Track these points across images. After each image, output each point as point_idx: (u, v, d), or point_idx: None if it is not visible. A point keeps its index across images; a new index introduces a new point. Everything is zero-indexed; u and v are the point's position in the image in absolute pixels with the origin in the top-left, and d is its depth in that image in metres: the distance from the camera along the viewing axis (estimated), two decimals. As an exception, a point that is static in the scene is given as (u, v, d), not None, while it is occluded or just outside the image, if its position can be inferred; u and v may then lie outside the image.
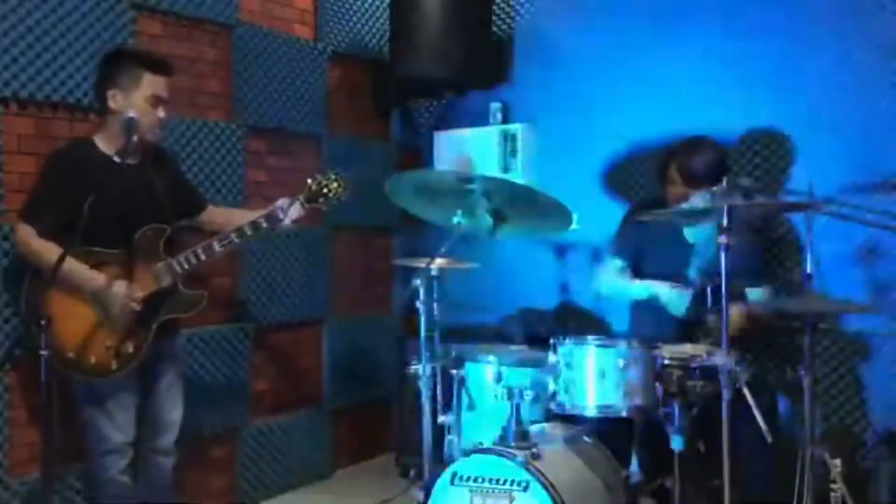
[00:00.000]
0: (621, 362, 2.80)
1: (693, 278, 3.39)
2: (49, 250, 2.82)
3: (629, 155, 4.24)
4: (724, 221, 2.62)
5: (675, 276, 3.42)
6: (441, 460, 2.99)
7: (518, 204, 3.03)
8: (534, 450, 2.68)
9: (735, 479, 2.57)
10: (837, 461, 3.09)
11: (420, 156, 4.95)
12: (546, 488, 2.58)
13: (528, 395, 2.88)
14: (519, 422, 2.79)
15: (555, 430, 2.97)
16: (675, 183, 3.45)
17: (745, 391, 2.65)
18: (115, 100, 2.95)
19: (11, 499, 3.13)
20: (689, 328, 3.31)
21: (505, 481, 2.64)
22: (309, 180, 3.18)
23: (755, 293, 3.46)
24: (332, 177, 3.19)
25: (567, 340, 2.89)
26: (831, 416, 3.71)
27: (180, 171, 3.40)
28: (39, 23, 3.20)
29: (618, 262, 3.62)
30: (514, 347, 3.46)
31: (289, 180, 4.14)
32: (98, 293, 2.91)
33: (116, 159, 2.93)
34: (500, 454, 2.69)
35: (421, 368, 3.09)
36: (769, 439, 2.61)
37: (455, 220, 2.98)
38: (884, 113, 3.60)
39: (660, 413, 2.84)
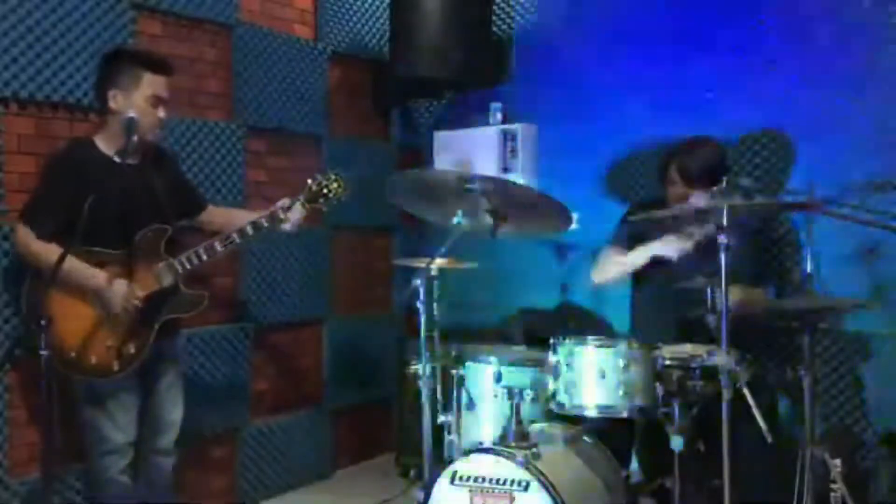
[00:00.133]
0: (621, 362, 2.80)
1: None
2: (49, 251, 2.82)
3: (629, 155, 4.25)
4: (724, 221, 2.62)
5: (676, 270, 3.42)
6: (441, 460, 2.98)
7: (518, 204, 3.02)
8: (534, 450, 2.69)
9: (735, 479, 2.57)
10: (837, 461, 3.09)
11: (420, 156, 4.96)
12: (546, 488, 2.58)
13: (528, 395, 2.88)
14: (519, 422, 2.79)
15: (555, 430, 2.97)
16: (675, 183, 3.45)
17: (745, 391, 2.64)
18: (115, 100, 2.95)
19: (11, 499, 3.13)
20: (689, 328, 3.31)
21: (505, 481, 2.64)
22: (309, 181, 3.19)
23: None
24: (333, 177, 3.20)
25: (567, 340, 2.89)
26: (831, 416, 3.71)
27: (180, 171, 3.40)
28: (39, 23, 3.20)
29: (616, 248, 3.60)
30: (514, 347, 3.46)
31: (289, 180, 4.15)
32: (99, 291, 2.91)
33: (116, 159, 2.93)
34: (500, 454, 2.69)
35: (421, 368, 3.09)
36: (769, 439, 2.61)
37: (455, 220, 2.98)
38: (884, 113, 3.60)
39: (660, 413, 2.83)
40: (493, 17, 4.64)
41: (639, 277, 3.63)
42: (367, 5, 4.73)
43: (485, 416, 3.04)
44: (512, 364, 3.05)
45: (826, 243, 3.53)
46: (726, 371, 2.58)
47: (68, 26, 3.29)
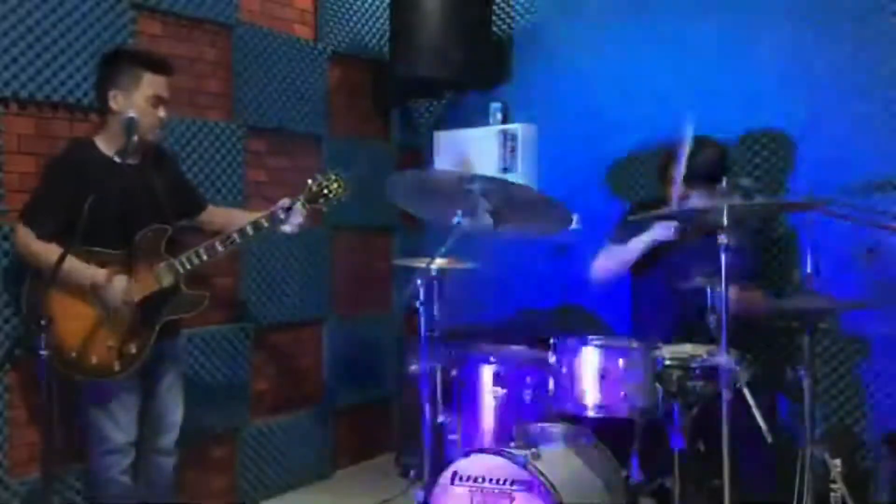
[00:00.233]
0: (621, 362, 2.80)
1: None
2: (49, 251, 2.82)
3: (629, 155, 4.25)
4: (724, 221, 2.62)
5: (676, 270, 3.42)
6: (441, 460, 2.98)
7: (518, 204, 3.02)
8: (534, 450, 2.69)
9: (735, 479, 2.57)
10: (837, 461, 3.09)
11: (420, 156, 4.96)
12: (546, 488, 2.58)
13: (528, 395, 2.88)
14: (519, 422, 2.79)
15: (555, 430, 2.97)
16: (676, 183, 3.44)
17: (745, 391, 2.65)
18: (115, 100, 2.95)
19: (11, 499, 3.13)
20: (688, 328, 3.31)
21: (505, 481, 2.65)
22: (309, 181, 3.19)
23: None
24: (333, 177, 3.20)
25: (567, 340, 2.89)
26: (831, 416, 3.71)
27: (180, 171, 3.40)
28: (39, 23, 3.20)
29: (618, 244, 3.60)
30: (514, 347, 3.46)
31: (289, 180, 4.15)
32: (98, 288, 2.91)
33: (117, 159, 2.93)
34: (500, 454, 2.69)
35: (421, 368, 3.09)
36: (769, 439, 2.61)
37: (455, 220, 2.98)
38: (884, 113, 3.60)
39: (660, 413, 2.84)
40: (493, 17, 4.64)
41: (639, 277, 3.63)
42: (367, 5, 4.73)
43: (485, 416, 3.04)
44: (512, 364, 3.05)
45: (826, 243, 3.53)
46: (726, 371, 2.58)
47: (68, 26, 3.29)
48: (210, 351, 3.86)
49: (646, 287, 3.61)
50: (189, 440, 3.44)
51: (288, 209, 3.13)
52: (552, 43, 4.51)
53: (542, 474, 2.60)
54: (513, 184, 3.20)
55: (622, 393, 2.79)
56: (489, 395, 3.02)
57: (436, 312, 3.17)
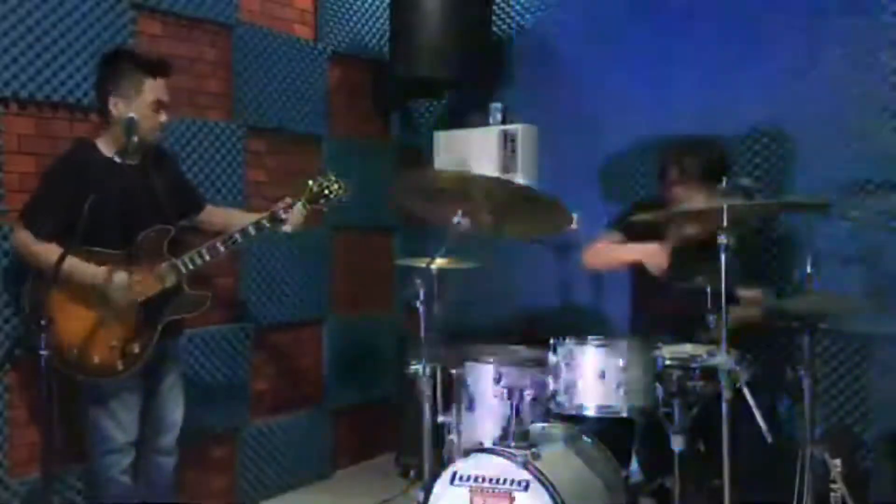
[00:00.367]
0: (621, 362, 2.79)
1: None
2: (49, 251, 2.82)
3: (629, 155, 4.24)
4: (724, 221, 2.62)
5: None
6: (441, 460, 2.98)
7: (518, 204, 3.02)
8: (534, 450, 2.68)
9: (735, 479, 2.57)
10: (837, 461, 3.09)
11: (420, 156, 4.95)
12: (546, 488, 2.57)
13: (528, 395, 2.88)
14: (519, 422, 2.79)
15: (555, 430, 2.97)
16: (676, 185, 3.44)
17: (745, 391, 2.64)
18: (116, 107, 2.94)
19: (11, 499, 3.13)
20: (688, 328, 3.31)
21: (505, 481, 2.64)
22: (310, 181, 3.19)
23: (750, 293, 3.45)
24: (333, 178, 3.20)
25: (567, 340, 2.88)
26: (831, 416, 3.71)
27: (180, 171, 3.40)
28: (39, 23, 3.20)
29: (615, 235, 3.60)
30: (513, 347, 3.46)
31: (289, 180, 4.15)
32: (100, 286, 2.90)
33: (117, 160, 2.93)
34: (500, 454, 2.69)
35: (421, 368, 3.09)
36: (769, 439, 2.61)
37: (455, 220, 2.98)
38: (884, 113, 3.60)
39: (660, 413, 2.83)
40: (493, 17, 4.64)
41: (639, 277, 3.62)
42: (367, 5, 4.73)
43: (485, 416, 3.04)
44: (512, 364, 3.05)
45: (826, 243, 3.53)
46: (726, 371, 2.58)
47: (68, 26, 3.29)
48: (210, 351, 3.86)
49: (646, 287, 3.61)
50: (189, 440, 3.44)
51: (288, 209, 3.13)
52: (552, 43, 4.51)
53: (542, 474, 2.60)
54: (513, 184, 3.20)
55: (622, 393, 2.79)
56: (489, 395, 3.02)
57: (436, 312, 3.17)
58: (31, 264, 2.93)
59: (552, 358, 2.90)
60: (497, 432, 2.86)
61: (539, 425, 2.97)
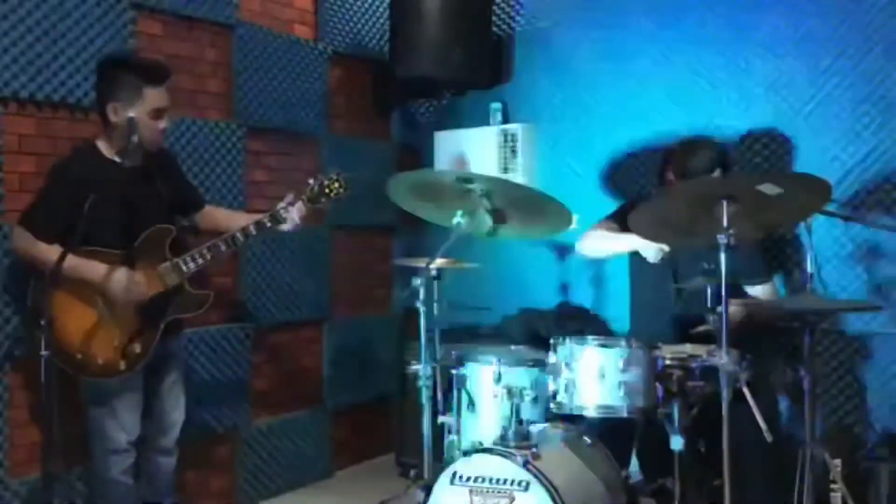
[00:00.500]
0: (621, 362, 2.79)
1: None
2: (50, 251, 2.82)
3: (629, 155, 4.25)
4: (724, 221, 2.62)
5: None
6: (441, 460, 2.98)
7: (518, 204, 3.03)
8: (534, 450, 2.69)
9: (735, 479, 2.57)
10: (837, 461, 3.09)
11: (420, 156, 4.96)
12: (546, 488, 2.58)
13: (528, 395, 2.88)
14: (519, 422, 2.79)
15: (555, 430, 2.97)
16: (674, 184, 3.44)
17: (745, 391, 2.64)
18: (115, 114, 2.93)
19: (11, 499, 3.13)
20: (688, 328, 3.31)
21: (505, 481, 2.64)
22: (311, 180, 3.19)
23: (757, 290, 3.45)
24: (334, 176, 3.20)
25: (567, 340, 2.88)
26: (831, 416, 3.71)
27: (181, 171, 3.40)
28: (39, 23, 3.20)
29: (613, 224, 3.60)
30: (514, 347, 3.46)
31: (289, 180, 4.14)
32: (100, 283, 2.90)
33: (117, 159, 2.93)
34: (500, 454, 2.69)
35: (421, 368, 3.09)
36: (769, 439, 2.61)
37: (455, 220, 2.98)
38: (884, 114, 3.61)
39: (660, 413, 2.83)
40: (493, 17, 4.64)
41: (638, 277, 3.63)
42: (367, 5, 4.73)
43: (485, 416, 3.04)
44: (512, 364, 3.05)
45: (826, 243, 3.53)
46: (726, 371, 2.58)
47: (68, 26, 3.29)
48: (210, 351, 3.86)
49: (646, 287, 3.61)
50: (189, 440, 3.44)
51: (289, 208, 3.13)
52: (552, 43, 4.51)
53: (542, 474, 2.60)
54: (513, 184, 3.20)
55: (622, 393, 2.79)
56: (489, 395, 3.02)
57: (436, 312, 3.17)
58: (32, 265, 2.92)
59: (552, 358, 2.90)
60: (497, 432, 2.86)
61: (539, 425, 2.97)
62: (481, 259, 3.56)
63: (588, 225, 3.63)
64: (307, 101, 4.36)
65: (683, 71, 4.05)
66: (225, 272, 3.96)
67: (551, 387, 2.89)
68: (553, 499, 2.56)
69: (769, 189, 2.57)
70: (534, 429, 2.90)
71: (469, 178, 2.96)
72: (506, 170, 4.51)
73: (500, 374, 3.00)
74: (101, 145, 3.01)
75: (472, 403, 3.08)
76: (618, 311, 3.93)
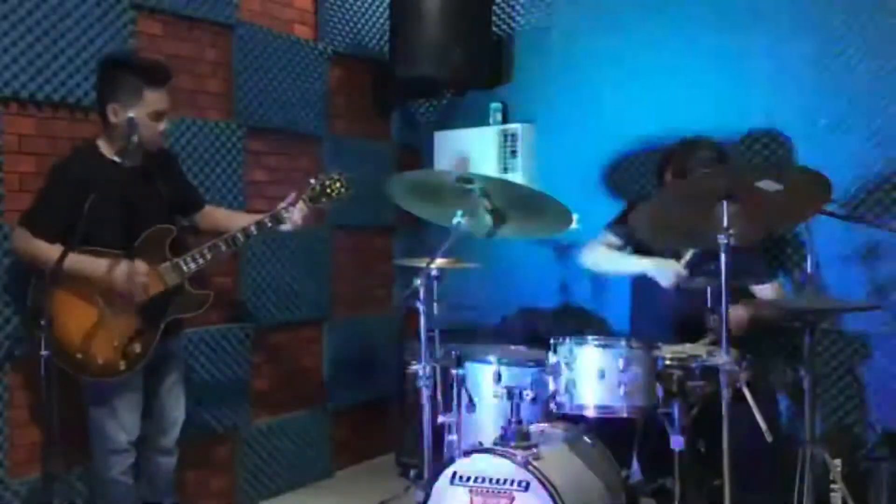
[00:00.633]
0: (621, 362, 2.79)
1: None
2: (51, 249, 2.82)
3: (629, 155, 4.25)
4: (724, 222, 2.62)
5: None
6: (441, 460, 2.98)
7: (518, 204, 3.03)
8: (534, 450, 2.68)
9: (735, 479, 2.57)
10: (837, 461, 3.09)
11: (420, 156, 4.96)
12: (546, 488, 2.57)
13: (528, 395, 2.88)
14: (519, 422, 2.79)
15: (555, 430, 2.97)
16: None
17: (745, 391, 2.64)
18: (115, 115, 2.94)
19: (12, 499, 3.13)
20: (689, 328, 3.31)
21: (505, 481, 2.64)
22: (312, 180, 3.19)
23: (764, 290, 3.45)
24: (336, 176, 3.20)
25: (567, 340, 2.88)
26: (831, 416, 3.71)
27: (181, 171, 3.40)
28: (39, 23, 3.20)
29: (612, 238, 3.61)
30: (514, 347, 3.46)
31: (289, 180, 4.15)
32: (103, 277, 2.89)
33: (117, 160, 2.93)
34: (500, 454, 2.69)
35: (421, 368, 3.09)
36: (769, 439, 2.61)
37: (455, 220, 2.98)
38: (884, 112, 3.61)
39: (660, 413, 2.83)
40: (493, 17, 4.64)
41: (639, 277, 3.62)
42: (367, 5, 4.73)
43: (485, 416, 3.04)
44: (512, 364, 3.05)
45: (826, 243, 3.53)
46: (726, 371, 2.58)
47: (68, 26, 3.29)
48: (210, 351, 3.86)
49: (646, 287, 3.61)
50: (189, 440, 3.44)
51: (290, 207, 3.13)
52: (552, 43, 4.51)
53: (542, 474, 2.60)
54: (513, 184, 3.20)
55: (622, 393, 2.79)
56: (489, 395, 3.02)
57: (436, 312, 3.17)
58: (33, 265, 2.92)
59: (552, 358, 2.90)
60: (497, 432, 2.86)
61: (539, 425, 2.97)
62: (481, 259, 3.55)
63: (588, 225, 3.64)
64: (307, 101, 4.36)
65: (683, 70, 4.05)
66: (225, 272, 3.96)
67: (551, 387, 2.89)
68: (553, 499, 2.56)
69: (768, 186, 2.56)
70: (534, 429, 2.90)
71: (469, 178, 2.95)
72: (505, 170, 4.51)
73: (500, 374, 3.00)
74: (102, 145, 3.01)
75: (472, 403, 3.08)
76: (618, 311, 3.93)
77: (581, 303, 4.36)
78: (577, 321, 4.27)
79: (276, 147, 4.24)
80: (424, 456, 3.09)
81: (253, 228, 3.09)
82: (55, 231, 2.85)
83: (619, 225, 3.60)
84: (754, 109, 3.87)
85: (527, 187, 3.27)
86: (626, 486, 2.97)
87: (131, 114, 2.89)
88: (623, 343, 2.84)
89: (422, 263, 3.10)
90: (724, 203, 2.61)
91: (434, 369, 3.13)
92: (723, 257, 2.60)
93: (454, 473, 2.73)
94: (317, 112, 4.42)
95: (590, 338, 2.89)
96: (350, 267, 4.68)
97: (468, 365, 3.11)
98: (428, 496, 2.78)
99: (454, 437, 3.08)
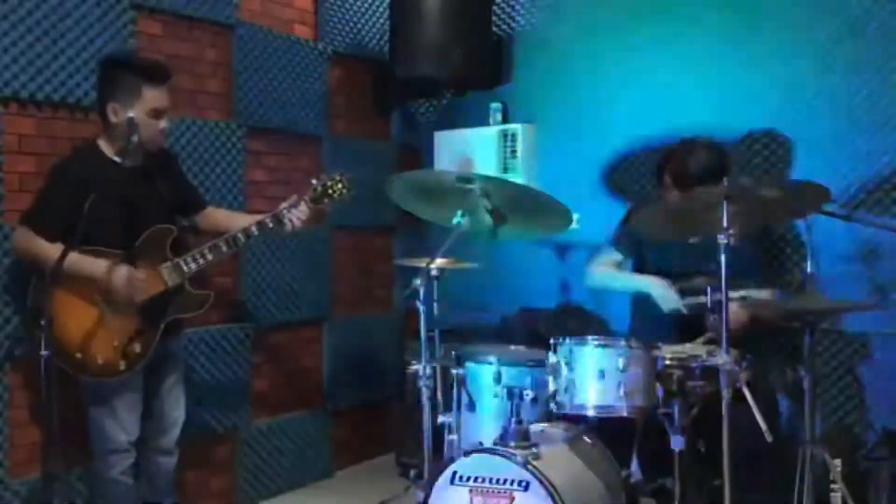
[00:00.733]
0: (621, 362, 2.79)
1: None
2: (51, 248, 2.82)
3: (629, 155, 4.25)
4: (724, 222, 2.62)
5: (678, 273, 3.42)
6: (441, 460, 2.98)
7: (518, 204, 3.03)
8: (534, 450, 2.68)
9: (735, 479, 2.57)
10: (837, 461, 3.09)
11: (420, 156, 4.96)
12: (546, 488, 2.57)
13: (528, 395, 2.87)
14: (519, 422, 2.78)
15: (555, 430, 2.97)
16: (671, 189, 3.44)
17: (745, 391, 2.64)
18: (115, 114, 2.94)
19: (11, 499, 3.13)
20: (689, 328, 3.31)
21: (505, 481, 2.64)
22: (314, 181, 3.19)
23: (761, 296, 3.45)
24: (337, 177, 3.20)
25: (567, 340, 2.88)
26: (831, 416, 3.71)
27: (182, 171, 3.40)
28: (39, 23, 3.20)
29: (615, 255, 3.61)
30: (514, 347, 3.46)
31: (289, 180, 4.15)
32: (101, 280, 2.89)
33: (117, 159, 2.93)
34: (500, 454, 2.69)
35: (421, 368, 3.09)
36: (769, 439, 2.60)
37: (455, 220, 2.98)
38: (884, 112, 3.61)
39: (660, 413, 2.83)
40: (493, 17, 4.64)
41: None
42: (367, 5, 4.73)
43: (485, 416, 3.04)
44: (512, 364, 3.05)
45: (826, 243, 3.53)
46: (726, 371, 2.58)
47: (68, 26, 3.29)
48: (210, 351, 3.86)
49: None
50: (189, 440, 3.44)
51: (292, 209, 3.13)
52: (552, 43, 4.51)
53: (542, 474, 2.60)
54: (513, 184, 3.20)
55: (622, 393, 2.78)
56: (489, 395, 3.02)
57: (436, 312, 3.17)
58: (34, 264, 2.92)
59: (552, 358, 2.90)
60: (497, 432, 2.86)
61: (539, 425, 2.97)
62: (481, 259, 3.55)
63: (588, 225, 3.64)
64: (307, 101, 4.36)
65: (684, 70, 4.04)
66: (225, 272, 3.96)
67: (551, 387, 2.89)
68: (553, 499, 2.56)
69: (768, 192, 2.57)
70: (534, 429, 2.90)
71: (469, 178, 2.95)
72: (505, 170, 4.51)
73: (500, 374, 3.00)
74: (103, 145, 3.01)
75: (472, 403, 3.08)
76: (618, 311, 3.93)
77: (581, 303, 4.36)
78: (577, 321, 4.27)
79: (276, 147, 4.24)
80: (424, 456, 3.10)
81: (254, 229, 3.09)
82: (56, 231, 2.85)
83: (619, 237, 3.61)
84: (754, 109, 3.87)
85: (527, 187, 3.27)
86: (626, 486, 2.97)
87: (131, 113, 2.89)
88: (623, 343, 2.84)
89: (422, 263, 3.10)
90: (725, 203, 2.62)
91: (434, 369, 3.13)
92: (723, 257, 2.60)
93: (454, 473, 2.73)
94: (317, 112, 4.42)
95: (590, 338, 2.88)
96: (350, 267, 4.68)
97: (468, 365, 3.11)
98: (428, 496, 2.78)
99: (454, 437, 3.08)
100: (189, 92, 3.80)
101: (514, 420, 2.79)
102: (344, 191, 3.20)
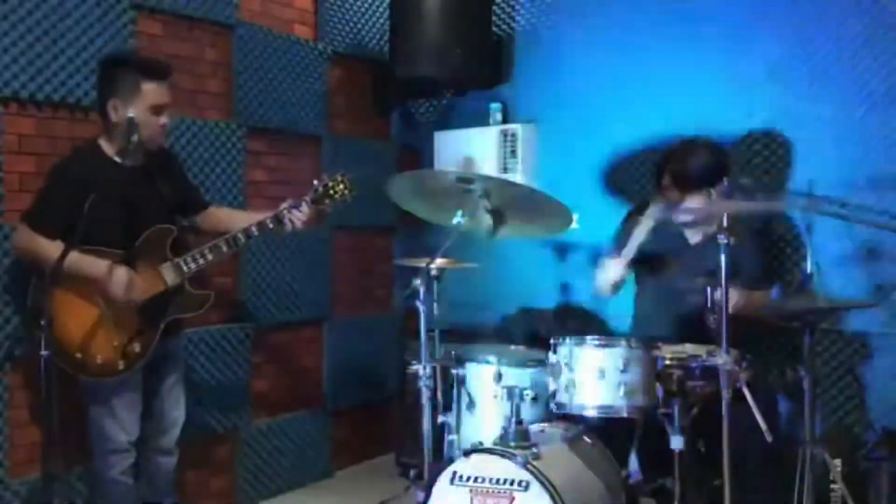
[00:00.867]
0: (621, 362, 2.79)
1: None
2: (52, 247, 2.82)
3: (629, 155, 4.25)
4: (724, 222, 2.62)
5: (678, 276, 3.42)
6: (441, 460, 2.98)
7: (518, 204, 3.02)
8: (534, 450, 2.68)
9: (735, 479, 2.57)
10: (837, 461, 3.09)
11: (420, 156, 4.96)
12: (546, 488, 2.57)
13: (528, 395, 2.88)
14: (519, 422, 2.79)
15: (555, 430, 2.97)
16: (671, 189, 3.43)
17: (745, 391, 2.64)
18: (115, 111, 2.94)
19: (11, 499, 3.13)
20: (689, 328, 3.31)
21: (505, 481, 2.64)
22: (315, 181, 3.19)
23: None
24: (339, 178, 3.20)
25: (567, 340, 2.88)
26: (831, 416, 3.71)
27: (183, 171, 3.40)
28: (39, 23, 3.20)
29: (619, 256, 3.60)
30: (514, 347, 3.46)
31: (289, 180, 4.15)
32: (101, 280, 2.89)
33: (118, 159, 2.93)
34: (500, 454, 2.69)
35: (421, 368, 3.09)
36: (769, 439, 2.61)
37: (455, 220, 2.98)
38: (884, 112, 3.61)
39: (660, 413, 2.83)
40: (493, 17, 4.64)
41: (639, 278, 3.62)
42: (367, 5, 4.73)
43: (485, 416, 3.04)
44: (512, 364, 3.05)
45: (826, 243, 3.53)
46: (726, 371, 2.58)
47: (68, 26, 3.29)
48: (210, 351, 3.86)
49: (646, 287, 3.61)
50: (189, 440, 3.44)
51: (293, 209, 3.13)
52: (552, 43, 4.51)
53: (542, 474, 2.60)
54: (513, 184, 3.20)
55: (622, 393, 2.79)
56: (489, 395, 3.02)
57: (436, 312, 3.17)
58: (34, 264, 2.92)
59: (552, 358, 2.90)
60: (497, 432, 2.86)
61: (539, 425, 2.97)
62: (481, 259, 3.55)
63: (588, 225, 3.63)
64: (307, 101, 4.36)
65: (684, 70, 4.04)
66: (225, 272, 3.96)
67: (551, 387, 2.89)
68: (553, 499, 2.56)
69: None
70: (534, 429, 2.90)
71: (469, 178, 2.95)
72: (505, 170, 4.51)
73: (500, 374, 3.00)
74: (103, 144, 3.01)
75: (472, 403, 3.09)
76: (618, 311, 3.93)
77: (581, 303, 4.36)
78: (577, 321, 4.27)
79: (276, 147, 4.24)
80: (424, 456, 3.10)
81: (254, 229, 3.09)
82: (56, 230, 2.85)
83: (620, 242, 3.60)
84: (754, 109, 3.87)
85: (527, 187, 3.27)
86: (626, 486, 2.97)
87: (131, 112, 2.89)
88: (623, 343, 2.84)
89: (422, 263, 3.10)
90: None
91: (434, 369, 3.13)
92: (723, 257, 2.60)
93: (454, 473, 2.73)
94: (317, 112, 4.42)
95: (590, 338, 2.89)
96: (350, 267, 4.68)
97: (468, 365, 3.11)
98: (428, 496, 2.78)
99: (454, 437, 3.09)
100: (189, 92, 3.79)
101: (514, 420, 2.79)
102: (345, 192, 3.20)
